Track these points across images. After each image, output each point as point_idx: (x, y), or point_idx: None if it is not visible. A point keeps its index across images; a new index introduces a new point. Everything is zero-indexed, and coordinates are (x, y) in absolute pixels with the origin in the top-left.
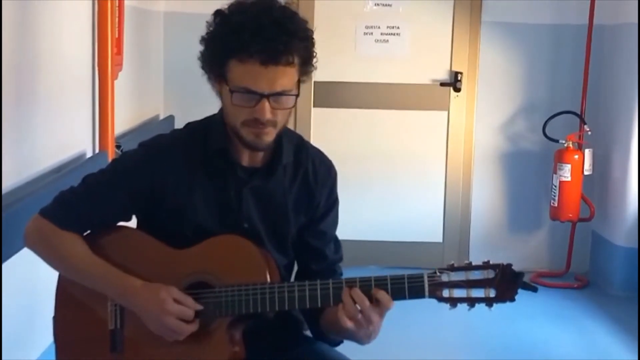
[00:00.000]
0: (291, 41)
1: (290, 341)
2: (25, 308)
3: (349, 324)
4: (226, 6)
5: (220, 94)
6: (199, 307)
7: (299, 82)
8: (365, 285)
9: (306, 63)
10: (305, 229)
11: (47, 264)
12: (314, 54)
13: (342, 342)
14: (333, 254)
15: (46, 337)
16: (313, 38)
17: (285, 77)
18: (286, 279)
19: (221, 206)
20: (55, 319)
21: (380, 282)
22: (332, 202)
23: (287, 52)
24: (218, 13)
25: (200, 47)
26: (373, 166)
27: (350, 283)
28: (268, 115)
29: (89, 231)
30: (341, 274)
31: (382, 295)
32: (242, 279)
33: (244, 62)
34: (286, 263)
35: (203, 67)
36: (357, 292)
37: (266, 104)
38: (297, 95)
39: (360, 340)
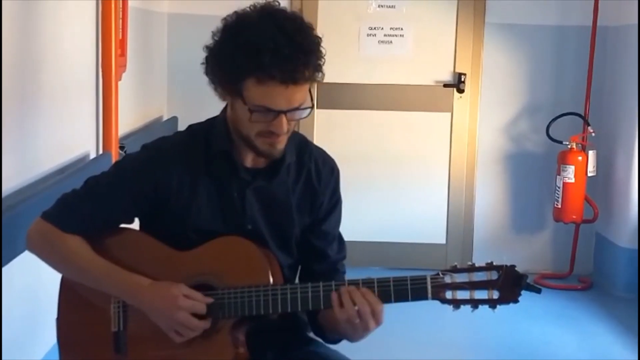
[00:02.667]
0: (308, 59)
1: (294, 342)
2: (26, 311)
3: (346, 327)
4: (233, 18)
5: (230, 105)
6: (210, 300)
7: (310, 91)
8: (368, 287)
9: (317, 73)
10: (308, 229)
11: (50, 267)
12: (323, 62)
13: (341, 340)
14: (336, 254)
15: (48, 340)
16: (322, 47)
17: (301, 92)
18: (291, 279)
19: (224, 207)
20: (58, 320)
21: (383, 284)
22: (335, 202)
23: (304, 71)
24: (226, 29)
25: (204, 53)
26: (376, 167)
27: (353, 285)
28: (285, 129)
29: (91, 234)
30: (344, 272)
31: (370, 296)
32: (245, 281)
33: (263, 82)
34: (291, 263)
35: (212, 81)
36: (357, 295)
37: (284, 119)
38: (312, 107)
39: (353, 340)
